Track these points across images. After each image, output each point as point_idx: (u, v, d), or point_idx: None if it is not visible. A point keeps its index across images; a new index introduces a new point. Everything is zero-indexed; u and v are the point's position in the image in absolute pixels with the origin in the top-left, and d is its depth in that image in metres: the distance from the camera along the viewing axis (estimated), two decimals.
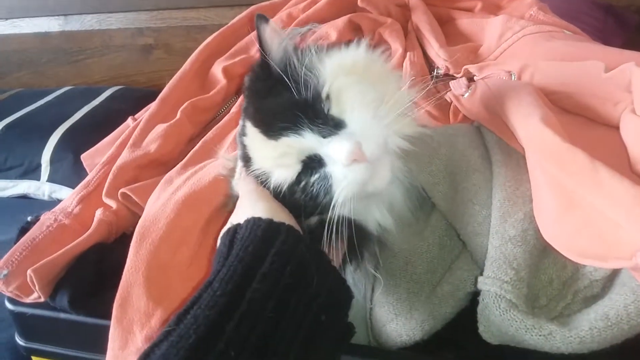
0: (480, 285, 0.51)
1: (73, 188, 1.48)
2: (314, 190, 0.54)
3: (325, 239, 0.53)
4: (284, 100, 0.55)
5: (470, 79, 0.77)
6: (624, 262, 0.41)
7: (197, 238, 0.64)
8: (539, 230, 0.51)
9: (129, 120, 0.96)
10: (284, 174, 0.55)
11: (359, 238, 0.56)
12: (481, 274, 0.53)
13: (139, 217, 0.67)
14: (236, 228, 0.50)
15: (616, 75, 0.56)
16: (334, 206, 0.53)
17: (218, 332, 0.41)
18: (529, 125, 0.53)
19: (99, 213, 0.71)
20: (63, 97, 1.84)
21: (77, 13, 1.96)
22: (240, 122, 0.63)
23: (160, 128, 0.80)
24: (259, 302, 0.43)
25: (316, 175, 0.54)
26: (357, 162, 0.51)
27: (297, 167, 0.54)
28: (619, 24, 1.43)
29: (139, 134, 0.81)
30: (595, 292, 0.49)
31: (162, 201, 0.66)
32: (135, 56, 1.95)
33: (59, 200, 1.52)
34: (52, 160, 1.53)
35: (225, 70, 0.89)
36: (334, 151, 0.52)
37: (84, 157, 0.97)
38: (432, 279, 0.60)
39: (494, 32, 0.83)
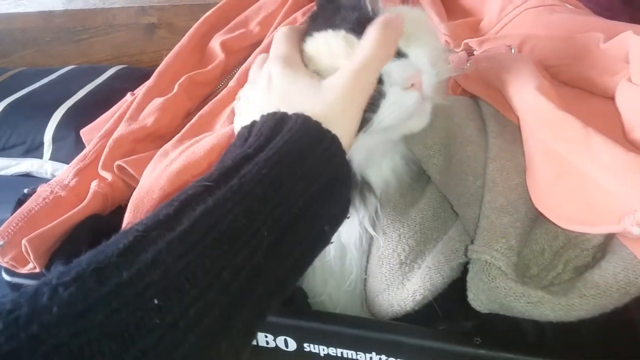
0: (470, 254, 0.51)
1: None
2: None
3: None
4: (355, 14, 0.56)
5: (470, 53, 0.76)
6: (613, 227, 0.40)
7: None
8: (530, 201, 0.51)
9: (128, 96, 0.96)
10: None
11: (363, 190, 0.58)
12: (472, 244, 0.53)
13: (134, 189, 0.67)
14: (283, 116, 0.48)
15: (614, 45, 0.56)
16: (374, 127, 0.53)
17: (257, 211, 0.40)
18: (524, 94, 0.53)
19: (94, 185, 0.71)
20: (66, 75, 1.84)
21: None
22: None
23: (157, 102, 0.80)
24: (295, 195, 0.42)
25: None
26: (413, 90, 0.53)
27: None
28: (626, 3, 1.41)
29: (135, 108, 0.81)
30: (586, 261, 0.49)
31: (156, 173, 0.66)
32: (139, 35, 1.95)
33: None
34: (55, 139, 1.53)
35: (224, 45, 0.88)
36: (398, 70, 0.53)
37: (83, 132, 0.98)
38: (424, 249, 0.60)
39: (495, 6, 0.82)
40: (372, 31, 0.52)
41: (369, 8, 0.57)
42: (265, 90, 0.53)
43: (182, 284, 0.34)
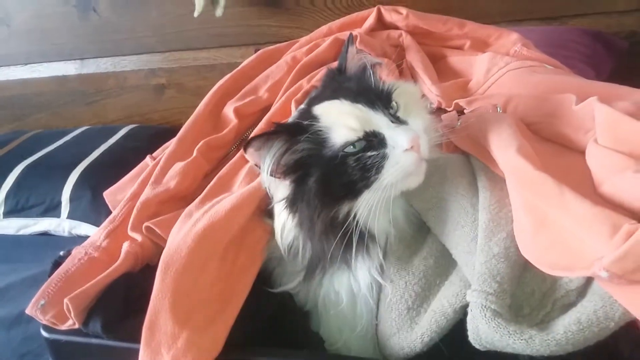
0: (468, 298, 0.57)
1: (92, 224, 1.57)
2: (368, 163, 0.64)
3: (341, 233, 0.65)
4: (362, 86, 0.70)
5: (461, 112, 0.84)
6: (586, 271, 0.47)
7: (216, 265, 0.71)
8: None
9: (148, 159, 1.03)
10: (344, 133, 0.65)
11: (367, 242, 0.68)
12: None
13: (162, 248, 0.73)
14: None
15: (584, 107, 0.64)
16: (377, 185, 0.64)
17: None
18: (507, 155, 0.61)
19: (126, 245, 0.77)
20: (81, 136, 1.93)
21: (92, 57, 2.07)
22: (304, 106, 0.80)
23: (178, 166, 0.88)
24: None
25: (374, 152, 0.64)
26: (413, 152, 0.64)
27: (360, 134, 0.65)
28: (608, 50, 1.49)
29: (159, 172, 0.88)
30: (572, 300, 0.55)
31: (183, 233, 0.73)
32: (149, 95, 2.06)
33: (79, 236, 1.60)
34: (72, 198, 1.61)
35: (237, 111, 0.96)
36: (399, 135, 0.64)
37: (106, 194, 1.04)
38: (429, 294, 0.67)
39: (481, 68, 0.91)
40: None
41: (372, 81, 0.68)
42: None
43: None
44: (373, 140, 0.65)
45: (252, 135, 0.86)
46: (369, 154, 0.65)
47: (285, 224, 0.71)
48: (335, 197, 0.66)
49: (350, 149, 0.65)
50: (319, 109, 0.70)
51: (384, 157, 0.64)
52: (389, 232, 0.70)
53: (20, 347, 1.21)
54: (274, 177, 0.68)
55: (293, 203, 0.69)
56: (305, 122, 0.67)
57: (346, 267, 0.70)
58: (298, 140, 0.67)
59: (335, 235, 0.66)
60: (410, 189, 0.67)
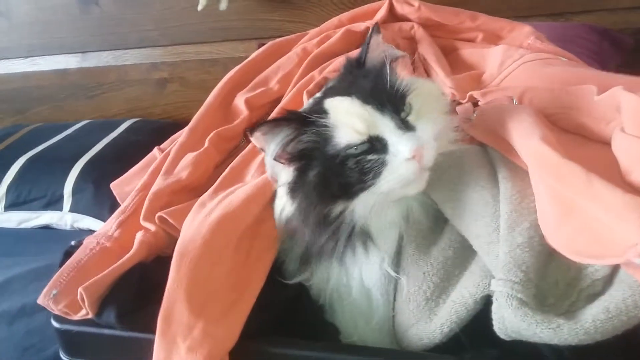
0: (493, 287, 0.57)
1: (94, 217, 1.56)
2: (367, 166, 0.64)
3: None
4: (377, 84, 0.67)
5: (475, 104, 0.84)
6: (618, 258, 0.47)
7: (231, 255, 0.70)
8: (543, 237, 0.57)
9: (156, 151, 1.02)
10: (349, 134, 0.64)
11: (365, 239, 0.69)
12: (493, 278, 0.59)
13: (175, 238, 0.73)
14: None
15: (606, 98, 0.63)
16: (374, 189, 0.64)
17: None
18: (530, 144, 0.60)
19: (139, 235, 0.77)
20: (82, 130, 1.92)
21: (94, 50, 2.05)
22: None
23: (190, 156, 0.87)
24: None
25: (375, 157, 0.63)
26: (414, 161, 0.62)
27: (363, 137, 0.64)
28: (614, 47, 1.49)
29: (170, 163, 0.88)
30: (597, 290, 0.55)
31: (197, 223, 0.72)
32: (151, 89, 2.04)
33: (81, 230, 1.59)
34: (74, 191, 1.60)
35: (248, 102, 0.96)
36: (402, 143, 0.62)
37: (113, 186, 1.03)
38: (448, 285, 0.66)
39: (495, 61, 0.90)
40: None
41: (387, 80, 0.67)
42: None
43: None
44: (376, 145, 0.64)
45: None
46: (370, 157, 0.64)
47: (285, 207, 0.72)
48: (331, 195, 0.66)
49: (352, 150, 0.64)
50: (330, 104, 0.69)
51: (383, 163, 0.63)
52: (400, 226, 0.70)
53: (23, 341, 1.19)
54: (278, 161, 0.69)
55: (294, 190, 0.69)
56: (315, 115, 0.67)
57: (337, 262, 0.70)
58: (305, 132, 0.66)
59: (327, 231, 0.67)
60: (411, 195, 0.67)
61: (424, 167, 0.63)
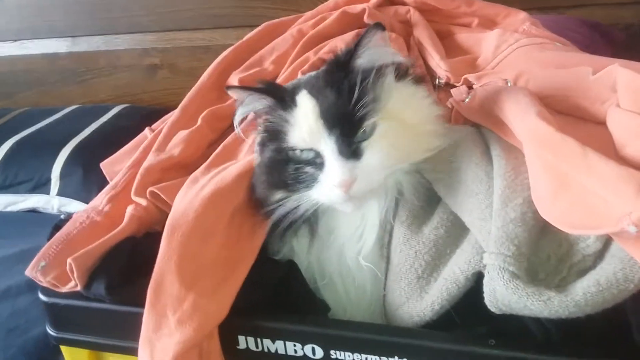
0: (485, 260, 0.57)
1: (82, 201, 1.55)
2: (302, 177, 0.66)
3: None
4: (342, 98, 0.64)
5: (470, 87, 0.84)
6: (612, 228, 0.47)
7: (223, 230, 0.70)
8: (536, 213, 0.57)
9: (147, 131, 1.01)
10: (297, 138, 0.65)
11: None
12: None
13: (166, 214, 0.72)
14: None
15: (602, 77, 0.64)
16: (305, 197, 0.66)
17: None
18: (525, 120, 0.60)
19: (130, 209, 0.76)
20: (72, 114, 1.90)
21: (84, 35, 2.02)
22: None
23: (182, 134, 0.86)
24: None
25: (312, 170, 0.65)
26: (340, 190, 0.63)
27: (307, 147, 0.65)
28: (605, 41, 1.50)
29: (162, 139, 0.87)
30: (588, 266, 0.55)
31: (189, 197, 0.72)
32: (141, 75, 2.02)
33: (68, 214, 1.57)
34: (62, 175, 1.58)
35: (242, 82, 0.95)
36: (334, 170, 0.63)
37: (103, 165, 1.02)
38: (439, 263, 0.66)
39: (490, 45, 0.91)
40: None
41: (354, 99, 0.64)
42: None
43: None
44: (316, 159, 0.65)
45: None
46: (307, 169, 0.66)
47: (254, 159, 0.74)
48: (273, 182, 0.68)
49: (295, 154, 0.66)
50: (301, 98, 0.67)
51: (316, 180, 0.65)
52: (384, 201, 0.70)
53: (8, 322, 1.18)
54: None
55: (258, 153, 0.73)
56: (284, 103, 0.67)
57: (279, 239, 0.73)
58: (273, 111, 0.68)
59: (275, 212, 0.69)
60: (341, 211, 0.68)
61: (351, 197, 0.64)
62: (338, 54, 0.69)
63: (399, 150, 0.66)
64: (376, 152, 0.64)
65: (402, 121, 0.67)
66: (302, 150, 0.66)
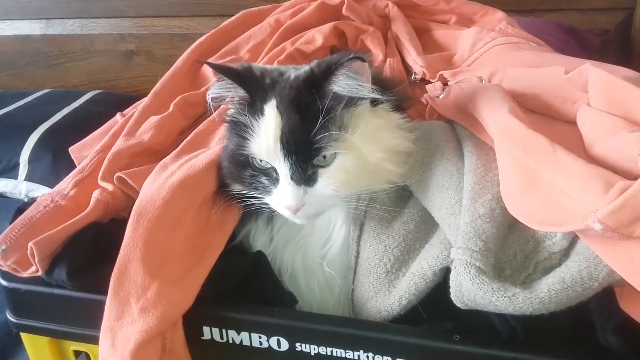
0: (453, 255, 0.57)
1: (50, 187, 1.50)
2: (257, 185, 0.67)
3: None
4: (306, 122, 0.63)
5: (445, 83, 0.84)
6: (578, 225, 0.47)
7: (191, 219, 0.69)
8: (505, 209, 0.58)
9: (118, 116, 0.99)
10: (257, 148, 0.66)
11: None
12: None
13: (133, 200, 0.71)
14: None
15: (575, 76, 0.64)
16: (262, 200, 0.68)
17: None
18: (497, 116, 0.60)
19: (96, 193, 0.74)
20: (43, 98, 1.85)
21: (59, 17, 1.97)
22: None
23: (153, 119, 0.85)
24: None
25: (267, 182, 0.67)
26: (288, 210, 0.65)
27: (265, 160, 0.66)
28: (581, 45, 1.52)
29: (133, 124, 0.85)
30: (554, 263, 0.55)
31: (157, 184, 0.70)
32: (116, 62, 1.98)
33: (33, 198, 1.53)
34: (31, 160, 1.54)
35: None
36: (283, 194, 0.65)
37: (72, 149, 1.00)
38: (408, 258, 0.66)
39: (466, 42, 0.91)
40: None
41: (315, 126, 0.63)
42: None
43: None
44: (272, 173, 0.66)
45: None
46: (262, 179, 0.67)
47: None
48: (232, 174, 0.69)
49: (254, 162, 0.67)
50: (269, 109, 0.66)
51: (269, 192, 0.67)
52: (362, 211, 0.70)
53: None
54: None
55: (226, 136, 0.73)
56: (253, 106, 0.67)
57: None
58: (243, 106, 0.69)
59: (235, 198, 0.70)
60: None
61: (298, 217, 0.66)
62: (315, 71, 0.67)
63: (354, 182, 0.66)
64: (330, 183, 0.65)
65: (363, 157, 0.66)
66: (260, 160, 0.67)
